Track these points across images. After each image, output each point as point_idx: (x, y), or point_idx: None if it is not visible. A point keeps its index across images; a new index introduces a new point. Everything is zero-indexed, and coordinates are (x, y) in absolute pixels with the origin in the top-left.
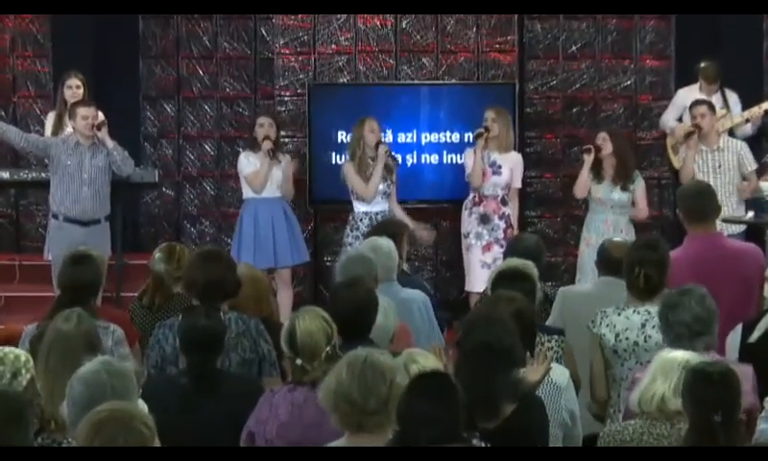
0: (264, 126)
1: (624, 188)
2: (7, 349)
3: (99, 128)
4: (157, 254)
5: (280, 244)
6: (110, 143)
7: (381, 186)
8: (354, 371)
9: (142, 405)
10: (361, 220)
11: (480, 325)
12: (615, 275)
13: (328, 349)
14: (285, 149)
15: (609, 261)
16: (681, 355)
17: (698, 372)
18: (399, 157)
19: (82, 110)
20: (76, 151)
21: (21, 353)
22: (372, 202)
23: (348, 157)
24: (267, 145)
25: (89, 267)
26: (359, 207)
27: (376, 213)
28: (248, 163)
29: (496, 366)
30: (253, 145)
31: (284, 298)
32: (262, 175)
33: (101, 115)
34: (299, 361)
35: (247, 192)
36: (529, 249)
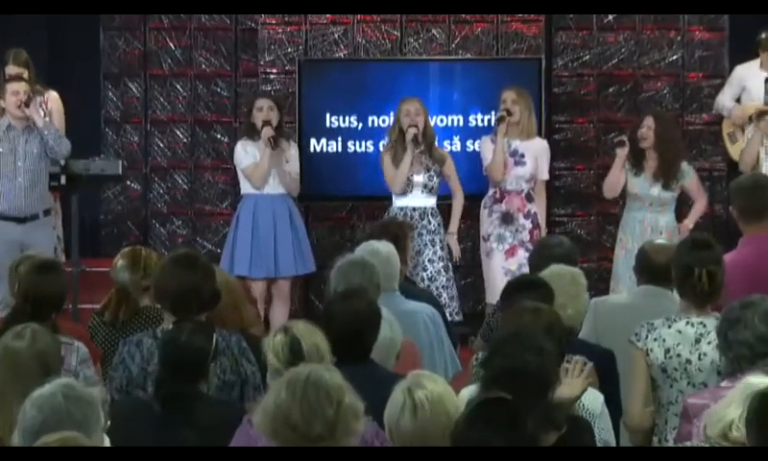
0: (263, 110)
1: (666, 186)
2: None
3: (27, 103)
4: (120, 262)
5: (283, 249)
6: (40, 121)
7: (421, 178)
8: (295, 390)
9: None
10: (395, 216)
11: (503, 346)
12: (657, 283)
13: None
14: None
15: (649, 267)
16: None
17: (766, 396)
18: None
19: (11, 86)
20: (7, 135)
21: None
22: (403, 194)
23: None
24: (267, 132)
25: (57, 277)
26: (396, 202)
27: (413, 209)
28: (245, 154)
29: (526, 393)
30: (251, 132)
31: (279, 314)
32: (263, 168)
33: (55, 98)
34: None
35: (245, 187)
36: (556, 256)
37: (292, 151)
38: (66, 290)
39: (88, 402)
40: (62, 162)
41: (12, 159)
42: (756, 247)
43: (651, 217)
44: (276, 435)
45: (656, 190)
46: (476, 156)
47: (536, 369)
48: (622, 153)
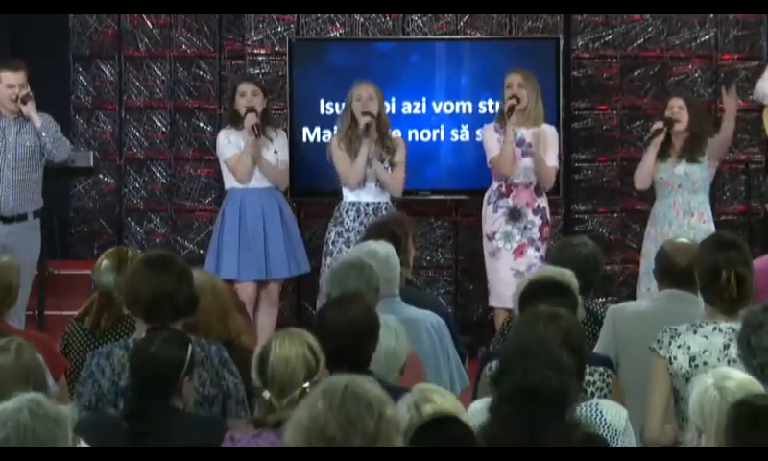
0: (246, 95)
1: (692, 160)
2: None
3: (24, 101)
4: (104, 263)
5: (274, 248)
6: (38, 121)
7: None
8: (333, 401)
9: None
10: (347, 211)
11: (519, 360)
12: (681, 287)
13: (307, 385)
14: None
15: (671, 270)
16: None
17: (744, 408)
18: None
19: (6, 75)
20: None
21: None
22: (358, 188)
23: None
24: (251, 119)
25: None
26: (347, 195)
27: (367, 204)
28: (228, 145)
29: (543, 413)
30: (235, 120)
31: (266, 319)
32: (247, 159)
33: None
34: (266, 394)
35: (230, 181)
36: (581, 256)
37: (280, 140)
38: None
39: (56, 420)
40: None
41: (2, 151)
42: None
43: (682, 199)
44: None
45: (682, 168)
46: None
47: (556, 386)
48: (659, 140)
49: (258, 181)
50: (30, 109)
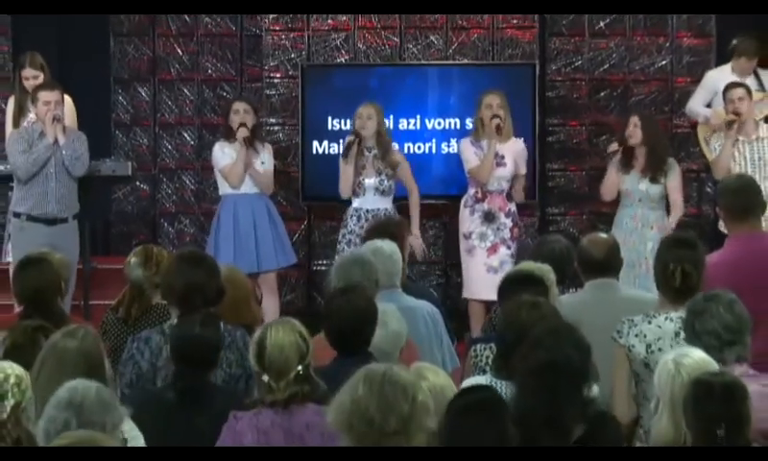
0: (239, 112)
1: (654, 180)
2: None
3: (52, 120)
4: (133, 259)
5: (264, 245)
6: (62, 139)
7: (372, 181)
8: (372, 386)
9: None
10: (351, 216)
11: (546, 338)
12: (600, 275)
13: (300, 368)
14: (272, 138)
15: (589, 261)
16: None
17: (700, 384)
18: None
19: (44, 94)
20: (41, 141)
21: (12, 373)
22: (357, 196)
23: None
24: (242, 132)
25: (40, 269)
26: (353, 203)
27: (367, 211)
28: (222, 155)
29: (563, 387)
30: (228, 134)
31: (270, 306)
32: (239, 167)
33: (68, 101)
34: (265, 377)
35: (224, 187)
36: (556, 252)
37: (266, 153)
38: (56, 279)
39: (109, 403)
40: None
41: (46, 165)
42: (741, 246)
43: (642, 213)
44: (350, 429)
45: (644, 185)
46: None
47: (578, 364)
48: (616, 159)
49: (248, 187)
50: (57, 127)
